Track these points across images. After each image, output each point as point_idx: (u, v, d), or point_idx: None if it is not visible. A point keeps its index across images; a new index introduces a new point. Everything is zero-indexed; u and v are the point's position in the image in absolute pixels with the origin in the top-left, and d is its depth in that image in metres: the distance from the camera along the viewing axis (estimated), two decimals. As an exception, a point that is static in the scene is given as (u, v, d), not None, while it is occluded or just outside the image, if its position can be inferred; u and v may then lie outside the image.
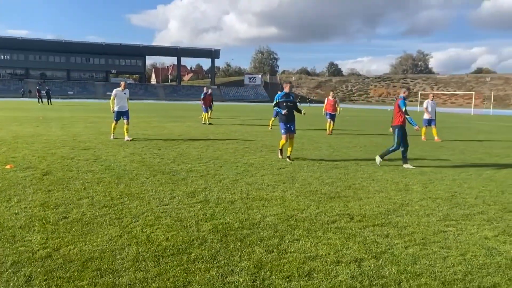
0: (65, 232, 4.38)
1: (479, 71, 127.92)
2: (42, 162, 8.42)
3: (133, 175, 7.35)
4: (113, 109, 12.73)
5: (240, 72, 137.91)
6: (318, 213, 5.33)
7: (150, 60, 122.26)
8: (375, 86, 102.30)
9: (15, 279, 3.30)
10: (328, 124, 16.60)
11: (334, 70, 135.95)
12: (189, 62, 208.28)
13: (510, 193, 6.66)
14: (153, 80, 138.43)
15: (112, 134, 12.98)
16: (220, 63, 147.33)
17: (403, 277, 3.50)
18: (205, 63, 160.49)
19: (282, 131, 9.52)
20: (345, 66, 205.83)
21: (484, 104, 77.52)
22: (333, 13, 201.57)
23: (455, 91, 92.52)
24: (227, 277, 3.45)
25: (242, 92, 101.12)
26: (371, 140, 14.45)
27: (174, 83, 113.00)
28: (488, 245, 4.31)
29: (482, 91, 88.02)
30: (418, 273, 3.59)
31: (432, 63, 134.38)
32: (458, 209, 5.67)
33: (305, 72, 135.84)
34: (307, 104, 72.87)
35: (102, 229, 4.52)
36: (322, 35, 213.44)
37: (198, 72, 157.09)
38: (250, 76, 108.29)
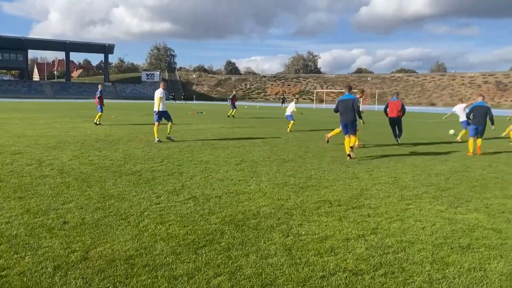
0: (81, 236, 4.34)
1: (359, 71, 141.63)
2: (-21, 169, 7.65)
3: (97, 178, 7.16)
4: (158, 110, 12.58)
5: (134, 68, 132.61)
6: (301, 201, 5.97)
7: (29, 55, 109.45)
8: (272, 84, 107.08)
9: (72, 281, 3.33)
10: None
11: (232, 69, 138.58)
12: (76, 57, 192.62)
13: (435, 176, 8.08)
14: (36, 77, 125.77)
15: (157, 137, 12.55)
16: (112, 59, 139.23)
17: (403, 245, 4.32)
18: (94, 58, 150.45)
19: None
20: (240, 64, 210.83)
21: (366, 100, 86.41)
22: (227, 12, 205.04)
23: (342, 89, 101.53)
24: (267, 259, 3.89)
25: (139, 89, 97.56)
26: (296, 135, 15.57)
27: (62, 80, 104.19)
28: (446, 216, 5.40)
29: (364, 89, 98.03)
30: (411, 241, 4.44)
31: (320, 63, 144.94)
32: (407, 191, 6.80)
33: (202, 69, 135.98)
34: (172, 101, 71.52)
35: (116, 230, 4.56)
36: (218, 33, 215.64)
37: (87, 68, 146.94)
38: (148, 72, 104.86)
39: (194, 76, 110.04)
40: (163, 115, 12.74)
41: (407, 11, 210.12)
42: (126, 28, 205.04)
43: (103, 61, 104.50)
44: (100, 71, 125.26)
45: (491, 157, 10.84)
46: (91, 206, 5.45)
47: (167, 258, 3.84)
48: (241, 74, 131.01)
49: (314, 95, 56.63)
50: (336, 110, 10.51)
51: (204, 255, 3.95)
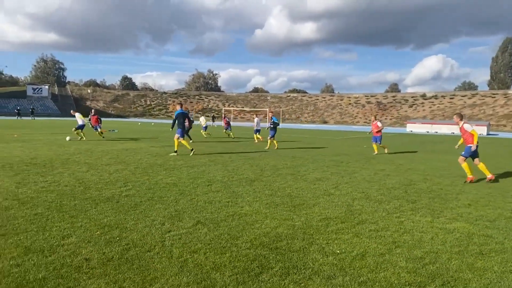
0: (121, 273, 3.91)
1: (256, 90, 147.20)
2: None
3: (72, 207, 6.42)
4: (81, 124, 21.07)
5: (13, 82, 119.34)
6: (306, 220, 6.11)
7: None
8: (173, 101, 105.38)
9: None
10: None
11: (128, 84, 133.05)
12: None
13: (393, 189, 8.86)
14: None
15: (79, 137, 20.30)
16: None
17: (432, 256, 4.73)
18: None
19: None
20: (135, 79, 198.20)
21: (266, 118, 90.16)
22: (121, 25, 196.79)
23: (243, 107, 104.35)
24: (331, 280, 3.96)
25: (25, 104, 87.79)
26: (246, 154, 15.65)
27: None
28: (438, 226, 6.01)
29: (264, 108, 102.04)
30: (435, 251, 4.88)
31: (219, 81, 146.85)
32: (385, 205, 7.35)
33: (94, 84, 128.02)
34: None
35: (153, 263, 4.20)
36: (110, 47, 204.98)
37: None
38: (35, 87, 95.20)
39: (89, 91, 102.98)
40: (81, 127, 21.00)
41: (297, 35, 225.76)
42: (2, 36, 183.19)
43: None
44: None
45: (418, 170, 12.22)
46: (98, 239, 4.90)
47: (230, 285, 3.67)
48: (139, 89, 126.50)
49: (223, 112, 57.32)
50: (174, 121, 14.78)
51: (269, 282, 3.87)
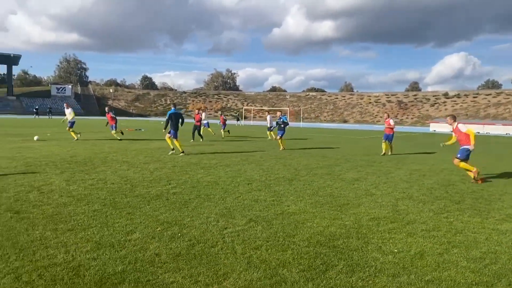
0: (194, 267, 4.06)
1: (274, 89, 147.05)
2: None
3: (125, 204, 6.64)
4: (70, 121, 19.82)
5: (37, 82, 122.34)
6: (355, 219, 6.18)
7: None
8: (193, 100, 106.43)
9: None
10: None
11: (148, 84, 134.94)
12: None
13: (433, 189, 8.85)
14: None
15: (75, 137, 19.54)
16: (15, 70, 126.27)
17: (490, 256, 4.75)
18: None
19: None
20: (154, 79, 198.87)
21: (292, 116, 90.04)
22: (140, 26, 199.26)
23: (262, 106, 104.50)
24: (396, 278, 4.03)
25: (49, 103, 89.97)
26: (271, 153, 15.79)
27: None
28: (489, 227, 6.00)
29: (283, 107, 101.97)
30: (492, 251, 4.89)
31: (237, 81, 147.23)
32: (429, 205, 7.36)
33: (115, 83, 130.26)
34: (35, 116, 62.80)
35: (220, 258, 4.36)
36: (130, 47, 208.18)
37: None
38: (59, 86, 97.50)
39: (111, 90, 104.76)
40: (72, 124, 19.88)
41: (315, 34, 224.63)
42: (26, 37, 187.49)
43: (5, 73, 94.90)
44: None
45: (453, 170, 12.11)
46: (161, 235, 5.09)
47: (308, 284, 3.79)
48: (158, 89, 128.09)
49: (243, 112, 57.75)
50: (168, 121, 14.20)
51: (337, 278, 3.96)
